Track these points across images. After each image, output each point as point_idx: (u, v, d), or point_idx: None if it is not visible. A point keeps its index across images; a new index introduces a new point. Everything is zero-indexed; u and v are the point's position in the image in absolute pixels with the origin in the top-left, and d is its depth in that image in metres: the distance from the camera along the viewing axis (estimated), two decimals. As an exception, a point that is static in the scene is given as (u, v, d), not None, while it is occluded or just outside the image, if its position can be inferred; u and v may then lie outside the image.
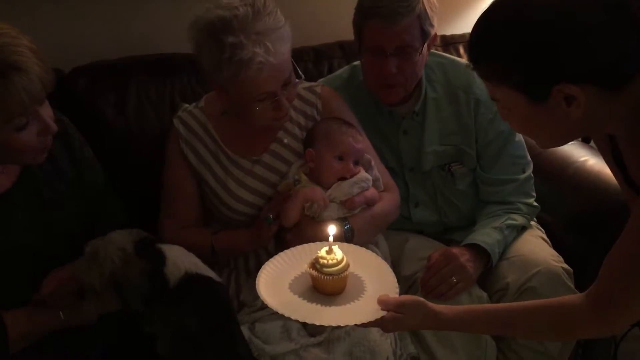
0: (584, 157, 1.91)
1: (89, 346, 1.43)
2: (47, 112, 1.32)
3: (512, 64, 1.08)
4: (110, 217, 1.56)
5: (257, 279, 1.27)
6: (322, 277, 1.25)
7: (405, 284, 1.65)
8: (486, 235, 1.71)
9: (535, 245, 1.75)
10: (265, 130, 1.61)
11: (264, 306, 1.48)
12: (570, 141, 1.21)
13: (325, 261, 1.24)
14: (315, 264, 1.25)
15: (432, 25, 1.66)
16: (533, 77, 1.07)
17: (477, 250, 1.67)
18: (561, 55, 1.04)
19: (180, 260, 1.38)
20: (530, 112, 1.11)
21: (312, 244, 1.36)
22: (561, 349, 1.68)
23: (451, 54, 2.02)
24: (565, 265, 1.67)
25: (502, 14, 1.10)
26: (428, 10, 1.64)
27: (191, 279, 1.37)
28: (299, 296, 1.26)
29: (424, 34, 1.65)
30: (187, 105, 1.71)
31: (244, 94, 1.47)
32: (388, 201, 1.63)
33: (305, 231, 1.50)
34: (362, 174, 1.58)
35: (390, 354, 1.42)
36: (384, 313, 1.22)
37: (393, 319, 1.23)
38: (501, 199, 1.80)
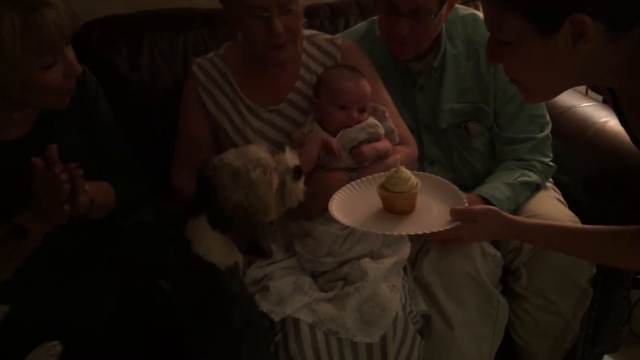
0: (605, 118, 1.86)
1: (101, 295, 1.43)
2: (71, 53, 1.34)
3: None
4: (123, 168, 1.56)
5: (329, 205, 1.33)
6: (394, 195, 1.29)
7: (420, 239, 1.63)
8: (496, 190, 1.69)
9: (551, 206, 1.72)
10: (266, 63, 1.58)
11: (275, 261, 1.50)
12: (558, 94, 1.18)
13: (395, 180, 1.29)
14: (386, 185, 1.30)
15: None
16: (553, 1, 1.03)
17: (487, 203, 1.65)
18: None
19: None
20: (532, 46, 1.07)
21: (380, 174, 1.42)
22: (574, 309, 1.67)
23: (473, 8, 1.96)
24: (582, 226, 1.65)
25: None
26: None
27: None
28: (372, 216, 1.32)
29: None
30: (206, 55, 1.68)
31: (234, 6, 1.47)
32: (404, 154, 1.59)
33: (315, 180, 1.48)
34: (370, 120, 1.55)
35: (400, 310, 1.42)
36: (457, 223, 1.28)
37: (469, 226, 1.29)
38: (517, 156, 1.77)
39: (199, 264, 1.27)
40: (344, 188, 1.38)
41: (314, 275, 1.52)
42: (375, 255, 1.50)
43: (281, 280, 1.44)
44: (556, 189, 1.83)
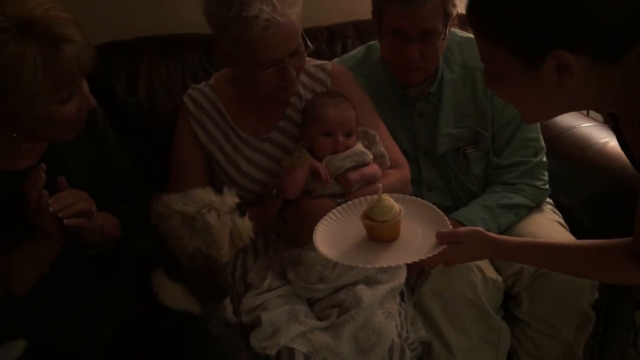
0: (604, 138, 1.85)
1: (101, 319, 1.43)
2: (86, 86, 1.35)
3: (511, 24, 1.04)
4: (129, 197, 1.57)
5: (313, 236, 1.31)
6: (378, 224, 1.28)
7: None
8: (471, 212, 1.68)
9: (551, 229, 1.70)
10: (272, 101, 1.59)
11: (270, 289, 1.49)
12: (557, 115, 1.19)
13: (378, 209, 1.28)
14: (369, 214, 1.29)
15: (454, 6, 1.61)
16: (530, 40, 1.03)
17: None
18: (563, 20, 1.01)
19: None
20: (520, 78, 1.07)
21: (361, 199, 1.41)
22: (577, 334, 1.65)
23: (469, 32, 1.96)
24: (583, 250, 1.63)
25: None
26: None
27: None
28: (357, 246, 1.31)
29: (447, 16, 1.60)
30: (197, 84, 1.70)
31: (250, 57, 1.46)
32: (394, 178, 1.59)
33: (302, 207, 1.49)
34: (356, 147, 1.54)
35: (395, 337, 1.40)
36: (444, 247, 1.26)
37: (455, 249, 1.28)
38: (503, 180, 1.76)
39: (172, 314, 1.27)
40: (327, 217, 1.37)
41: (310, 303, 1.51)
42: (370, 281, 1.48)
43: (276, 310, 1.43)
44: (557, 211, 1.81)
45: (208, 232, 1.24)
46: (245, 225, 1.33)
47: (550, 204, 1.84)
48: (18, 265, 1.32)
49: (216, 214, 1.27)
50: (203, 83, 1.68)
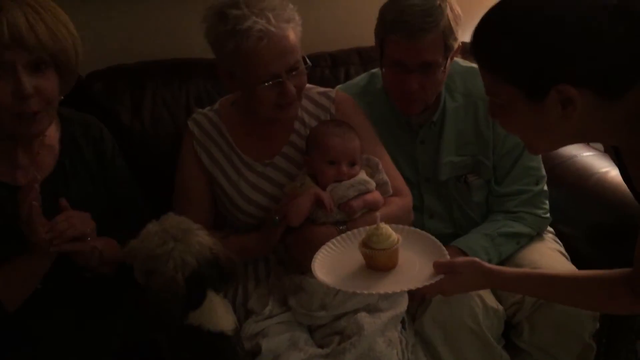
0: (605, 168, 1.86)
1: (103, 341, 1.42)
2: (34, 80, 1.28)
3: (515, 58, 1.06)
4: (134, 222, 1.56)
5: (312, 263, 1.32)
6: (375, 252, 1.29)
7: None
8: (473, 241, 1.69)
9: (552, 258, 1.71)
10: (273, 122, 1.59)
11: (272, 315, 1.48)
12: (560, 147, 1.21)
13: (376, 237, 1.29)
14: (367, 242, 1.31)
15: (455, 39, 1.63)
16: (535, 73, 1.05)
17: (464, 255, 1.64)
18: (567, 55, 1.02)
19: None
20: (524, 110, 1.09)
21: (360, 228, 1.42)
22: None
23: (472, 61, 1.98)
24: (584, 280, 1.63)
25: (514, 5, 1.08)
26: (452, 24, 1.60)
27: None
28: (354, 274, 1.32)
29: (448, 49, 1.62)
30: (201, 109, 1.71)
31: (247, 72, 1.48)
32: (396, 206, 1.59)
33: (304, 234, 1.49)
34: (360, 176, 1.55)
35: (397, 365, 1.40)
36: (441, 276, 1.27)
37: (452, 279, 1.28)
38: (504, 208, 1.76)
39: (205, 337, 1.28)
40: (326, 245, 1.39)
41: (311, 330, 1.50)
42: (372, 309, 1.48)
43: (276, 338, 1.43)
44: (558, 240, 1.82)
45: (201, 228, 1.35)
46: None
47: (551, 232, 1.84)
48: (7, 277, 1.31)
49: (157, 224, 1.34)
50: (208, 108, 1.69)
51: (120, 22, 2.05)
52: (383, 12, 1.64)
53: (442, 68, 1.62)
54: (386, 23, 1.62)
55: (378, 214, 1.36)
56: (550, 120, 1.07)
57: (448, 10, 1.59)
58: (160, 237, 1.30)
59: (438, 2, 1.58)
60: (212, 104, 1.71)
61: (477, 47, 1.12)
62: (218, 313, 1.32)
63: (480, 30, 1.11)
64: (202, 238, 1.32)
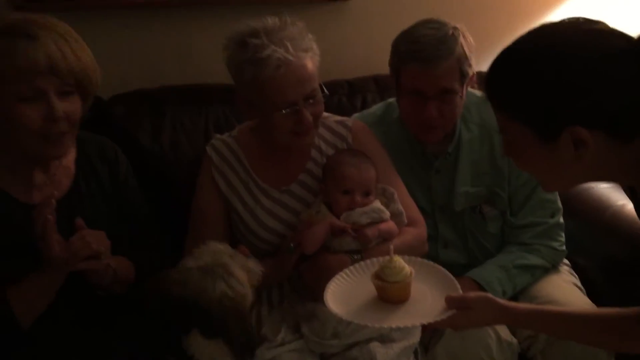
0: (622, 201, 1.85)
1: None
2: (62, 104, 1.35)
3: (527, 98, 1.07)
4: (146, 243, 1.59)
5: (324, 293, 1.33)
6: (388, 285, 1.30)
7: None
8: (488, 272, 1.68)
9: (567, 292, 1.69)
10: (290, 149, 1.61)
11: (284, 342, 1.49)
12: (574, 186, 1.21)
13: (389, 270, 1.30)
14: (380, 274, 1.31)
15: (470, 66, 1.65)
16: (547, 115, 1.05)
17: (478, 285, 1.64)
18: (578, 97, 1.03)
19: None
20: (537, 150, 1.09)
21: (373, 259, 1.42)
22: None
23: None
24: (599, 314, 1.62)
25: (528, 46, 1.09)
26: (466, 51, 1.63)
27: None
28: (366, 306, 1.32)
29: (463, 76, 1.64)
30: (220, 135, 1.73)
31: (265, 99, 1.50)
32: (411, 235, 1.60)
33: (319, 262, 1.50)
34: (374, 204, 1.56)
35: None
36: (453, 311, 1.27)
37: (463, 314, 1.28)
38: (520, 240, 1.76)
39: None
40: (339, 275, 1.39)
41: (323, 358, 1.50)
42: (384, 339, 1.48)
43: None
44: (573, 273, 1.81)
45: (228, 273, 1.28)
46: (253, 262, 1.37)
47: (567, 265, 1.83)
48: (23, 293, 1.34)
49: (228, 256, 1.31)
50: (226, 134, 1.71)
51: (143, 48, 2.10)
52: (397, 44, 1.67)
53: (459, 95, 1.64)
54: (401, 53, 1.65)
55: (392, 245, 1.36)
56: (562, 160, 1.07)
57: (461, 39, 1.63)
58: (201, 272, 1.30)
59: (450, 31, 1.62)
60: (231, 129, 1.74)
61: (490, 86, 1.13)
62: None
63: (493, 69, 1.12)
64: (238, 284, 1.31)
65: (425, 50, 1.59)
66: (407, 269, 1.31)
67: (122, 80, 2.03)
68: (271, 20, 1.51)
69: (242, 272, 1.31)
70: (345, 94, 2.09)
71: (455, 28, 1.64)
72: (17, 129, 1.33)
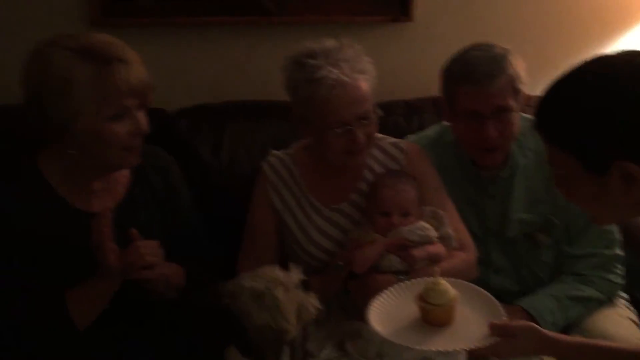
0: (687, 234, 1.78)
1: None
2: (142, 117, 1.44)
3: (576, 132, 1.06)
4: (196, 253, 1.64)
5: (367, 311, 1.34)
6: (432, 307, 1.31)
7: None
8: (539, 301, 1.65)
9: (622, 327, 1.64)
10: (342, 168, 1.64)
11: (328, 359, 1.50)
12: (627, 220, 1.18)
13: (433, 292, 1.30)
14: (424, 296, 1.32)
15: (521, 82, 1.65)
16: (595, 148, 1.04)
17: (528, 315, 1.61)
18: (630, 133, 1.01)
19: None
20: (586, 183, 1.08)
21: (419, 279, 1.42)
22: None
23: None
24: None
25: (579, 78, 1.08)
26: (517, 69, 1.64)
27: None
28: (408, 327, 1.33)
29: (517, 92, 1.64)
30: (276, 151, 1.78)
31: (319, 118, 1.54)
32: (459, 260, 1.59)
33: (366, 281, 1.51)
34: (420, 223, 1.56)
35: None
36: (496, 338, 1.26)
37: (507, 342, 1.27)
38: (575, 270, 1.71)
39: None
40: (383, 294, 1.40)
41: (366, 377, 1.51)
42: (429, 362, 1.47)
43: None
44: (631, 307, 1.74)
45: (276, 307, 1.30)
46: (311, 299, 1.37)
47: (624, 298, 1.77)
48: (80, 298, 1.41)
49: (283, 289, 1.32)
50: (283, 151, 1.76)
51: (209, 64, 2.17)
52: (448, 68, 1.69)
53: (515, 112, 1.63)
54: (453, 76, 1.66)
55: (438, 268, 1.36)
56: (612, 194, 1.06)
57: (511, 57, 1.64)
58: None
59: (500, 51, 1.64)
60: (288, 146, 1.78)
61: (540, 117, 1.13)
62: None
63: (544, 100, 1.11)
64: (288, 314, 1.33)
65: (478, 71, 1.60)
66: (452, 292, 1.31)
67: (187, 95, 2.12)
68: (329, 43, 1.55)
69: (293, 307, 1.32)
70: (403, 115, 2.10)
71: (504, 49, 1.65)
72: (104, 144, 1.41)
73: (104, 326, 1.45)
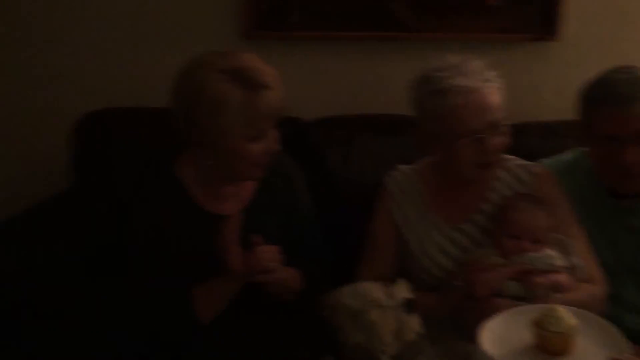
0: None
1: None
2: (275, 133, 1.53)
3: None
4: (312, 259, 1.69)
5: (479, 332, 1.33)
6: (548, 335, 1.26)
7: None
8: None
9: None
10: (471, 183, 1.62)
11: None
12: None
13: (551, 319, 1.26)
14: (540, 322, 1.28)
15: None
16: None
17: None
18: None
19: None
20: None
21: (536, 305, 1.38)
22: None
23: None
24: None
25: None
26: None
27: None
28: (521, 352, 1.29)
29: None
30: (402, 166, 1.79)
31: (447, 129, 1.53)
32: (585, 292, 1.51)
33: (484, 304, 1.47)
34: (548, 251, 1.50)
35: None
36: None
37: None
38: None
39: None
40: (498, 316, 1.36)
41: (474, 401, 1.48)
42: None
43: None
44: None
45: (371, 328, 1.31)
46: (412, 321, 1.36)
47: None
48: (205, 295, 1.50)
49: (380, 311, 1.33)
50: (408, 166, 1.77)
51: (346, 76, 2.24)
52: (587, 89, 1.61)
53: None
54: (592, 98, 1.58)
55: (558, 295, 1.31)
56: None
57: None
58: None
59: None
60: (414, 161, 1.78)
61: None
62: None
63: None
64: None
65: (618, 92, 1.53)
66: (572, 320, 1.24)
67: (324, 105, 2.19)
68: (453, 58, 1.56)
69: (390, 329, 1.32)
70: (538, 137, 2.03)
71: None
72: (238, 159, 1.51)
73: (225, 320, 1.53)
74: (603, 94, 1.56)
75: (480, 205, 1.65)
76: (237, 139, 1.48)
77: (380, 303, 1.34)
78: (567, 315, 1.26)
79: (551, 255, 1.50)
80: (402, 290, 1.38)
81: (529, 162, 1.69)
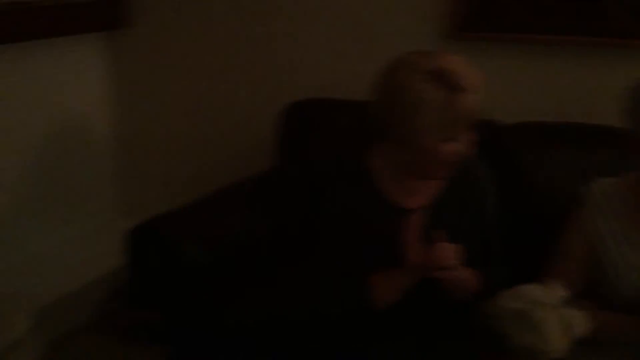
0: None
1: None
2: (469, 136, 1.54)
3: None
4: (492, 261, 1.68)
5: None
6: None
7: None
8: None
9: None
10: None
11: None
12: None
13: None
14: None
15: None
16: None
17: None
18: None
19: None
20: None
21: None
22: None
23: None
24: None
25: None
26: None
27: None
28: None
29: None
30: (602, 179, 1.69)
31: None
32: None
33: None
34: None
35: None
36: None
37: None
38: None
39: None
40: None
41: None
42: None
43: None
44: None
45: (537, 328, 1.28)
46: (577, 316, 1.30)
47: None
48: (382, 283, 1.56)
49: (544, 308, 1.29)
50: (609, 179, 1.66)
51: (554, 82, 2.18)
52: None
53: None
54: None
55: None
56: None
57: None
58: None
59: None
60: (614, 175, 1.67)
61: None
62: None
63: None
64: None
65: None
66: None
67: (527, 111, 2.14)
68: None
69: (557, 327, 1.28)
70: None
71: None
72: (428, 158, 1.54)
73: (397, 309, 1.57)
74: None
75: None
76: (431, 139, 1.51)
77: (543, 301, 1.31)
78: None
79: None
80: (558, 289, 1.34)
81: None
